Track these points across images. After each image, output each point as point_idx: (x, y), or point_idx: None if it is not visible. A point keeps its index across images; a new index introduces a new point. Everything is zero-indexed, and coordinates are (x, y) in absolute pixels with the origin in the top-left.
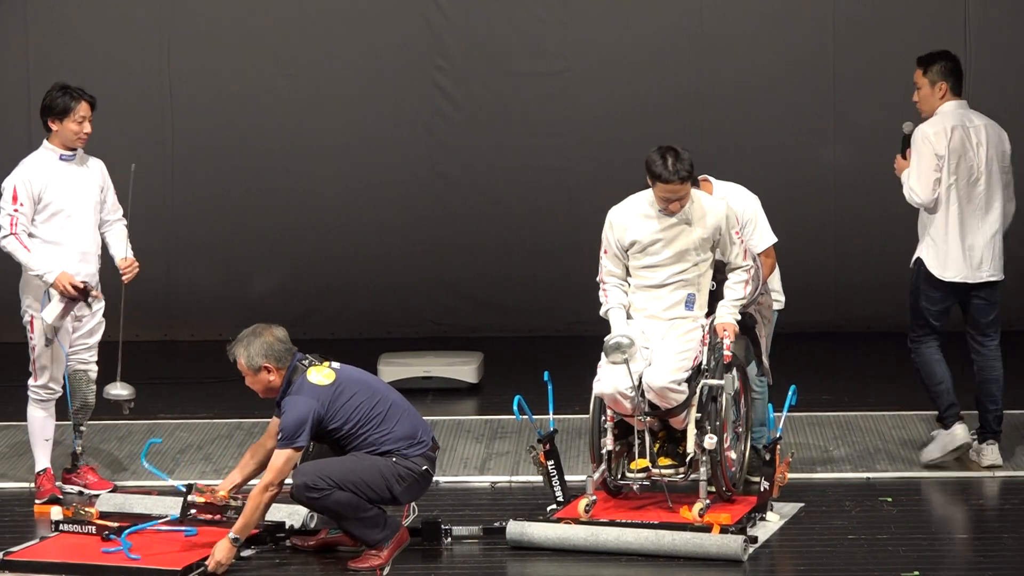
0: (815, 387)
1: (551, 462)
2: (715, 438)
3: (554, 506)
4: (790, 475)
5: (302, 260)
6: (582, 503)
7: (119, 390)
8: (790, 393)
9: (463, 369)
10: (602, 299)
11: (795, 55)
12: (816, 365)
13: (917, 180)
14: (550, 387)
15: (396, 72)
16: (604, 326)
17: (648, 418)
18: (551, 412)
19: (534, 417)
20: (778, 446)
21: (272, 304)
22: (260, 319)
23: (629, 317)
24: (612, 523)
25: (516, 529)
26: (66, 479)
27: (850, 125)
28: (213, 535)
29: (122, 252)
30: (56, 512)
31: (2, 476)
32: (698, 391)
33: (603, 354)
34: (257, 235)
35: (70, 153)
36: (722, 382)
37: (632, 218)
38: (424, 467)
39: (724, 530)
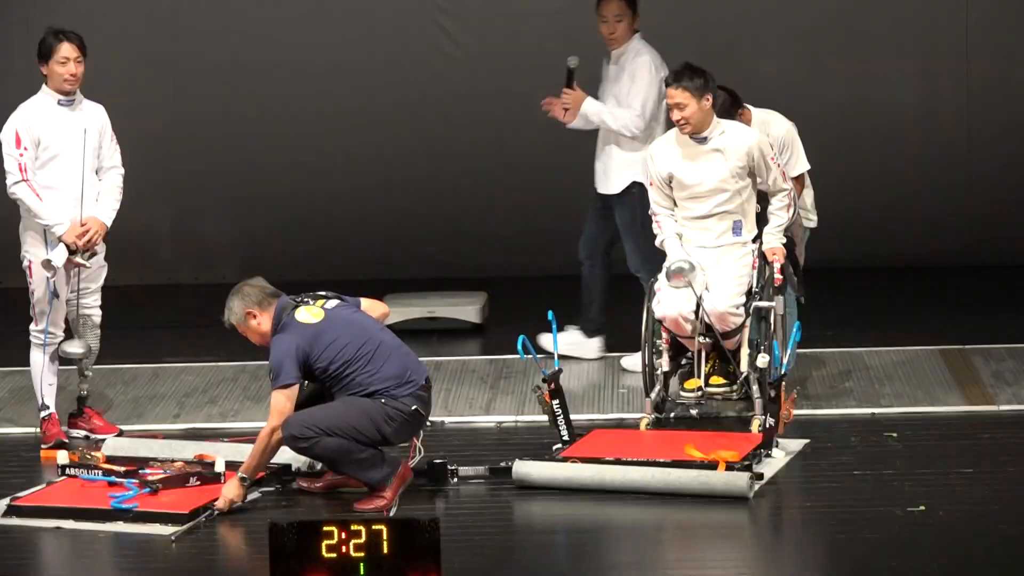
0: (819, 323)
1: (556, 401)
2: (767, 357)
3: (560, 445)
4: (795, 412)
5: (305, 202)
6: (643, 422)
7: (74, 347)
8: (794, 330)
9: (467, 309)
10: (655, 230)
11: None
12: (819, 301)
13: (649, 109)
14: (554, 326)
15: (399, 16)
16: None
17: (704, 339)
18: (556, 351)
19: (538, 356)
20: (783, 382)
21: (276, 246)
22: (264, 261)
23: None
24: (618, 461)
25: (522, 469)
26: (72, 423)
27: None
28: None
29: (100, 210)
30: (62, 456)
31: (8, 421)
32: (751, 312)
33: (664, 278)
34: (260, 177)
35: (68, 98)
36: (773, 303)
37: (668, 150)
38: (414, 407)
39: (730, 467)
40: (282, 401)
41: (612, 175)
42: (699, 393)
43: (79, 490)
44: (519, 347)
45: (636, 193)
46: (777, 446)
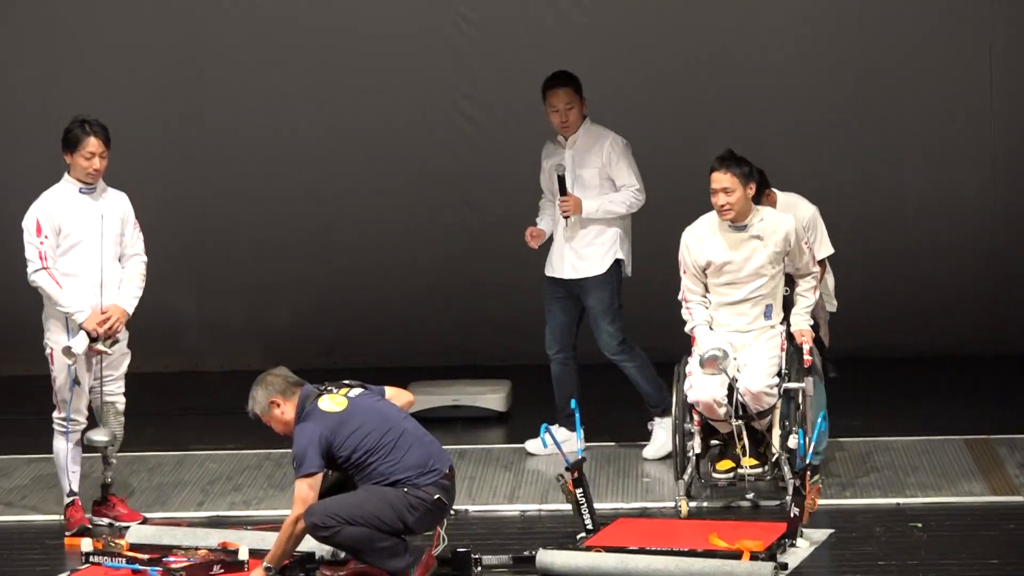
0: (844, 412)
1: (579, 490)
2: (798, 437)
3: (583, 534)
4: (820, 501)
5: (331, 288)
6: (682, 506)
7: (100, 435)
8: (820, 419)
9: (491, 397)
10: (686, 316)
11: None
12: (844, 390)
13: (640, 179)
14: (577, 415)
15: (423, 102)
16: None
17: (738, 421)
18: (579, 440)
19: (561, 445)
20: (808, 472)
21: (300, 333)
22: (288, 348)
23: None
24: (642, 551)
25: (546, 558)
26: (96, 511)
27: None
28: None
29: (122, 298)
30: (86, 544)
31: (31, 509)
32: (781, 393)
33: (698, 364)
34: (286, 264)
35: (89, 186)
36: (803, 384)
37: (705, 237)
38: (436, 496)
39: (754, 557)
40: (305, 490)
41: (594, 258)
42: (732, 474)
43: None
44: (542, 436)
45: (615, 271)
46: (802, 536)
